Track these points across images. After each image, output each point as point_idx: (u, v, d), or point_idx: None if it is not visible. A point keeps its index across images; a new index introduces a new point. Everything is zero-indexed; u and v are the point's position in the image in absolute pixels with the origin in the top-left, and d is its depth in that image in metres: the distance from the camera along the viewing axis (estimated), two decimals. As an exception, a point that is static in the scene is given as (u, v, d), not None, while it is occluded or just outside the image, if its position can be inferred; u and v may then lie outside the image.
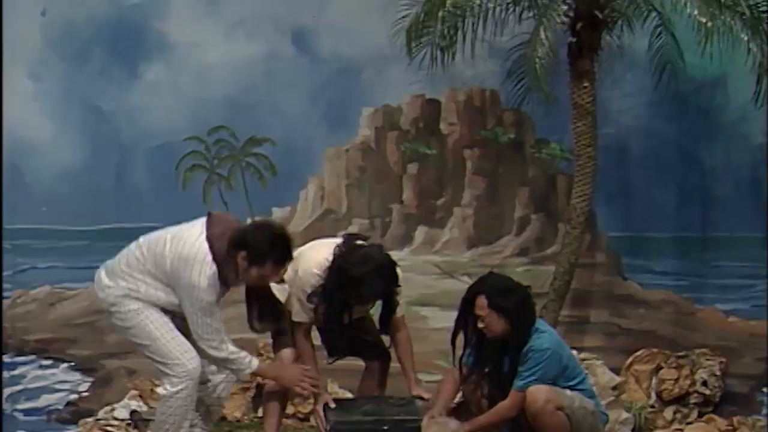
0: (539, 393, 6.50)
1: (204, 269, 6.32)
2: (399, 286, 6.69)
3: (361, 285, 6.47)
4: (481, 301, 6.57)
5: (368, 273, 6.45)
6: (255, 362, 6.55)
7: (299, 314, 6.69)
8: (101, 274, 6.61)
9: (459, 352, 6.84)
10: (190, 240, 6.39)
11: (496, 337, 6.59)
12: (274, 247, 6.35)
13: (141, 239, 6.59)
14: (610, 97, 9.03)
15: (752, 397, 9.04)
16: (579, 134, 8.51)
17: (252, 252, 6.29)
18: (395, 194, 9.27)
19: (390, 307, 6.75)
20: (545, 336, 6.58)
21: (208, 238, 6.36)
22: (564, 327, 8.67)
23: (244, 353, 6.53)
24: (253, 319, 6.66)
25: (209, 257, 6.32)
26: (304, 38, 9.25)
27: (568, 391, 6.56)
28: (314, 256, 6.63)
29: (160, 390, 6.82)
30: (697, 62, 8.67)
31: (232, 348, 6.48)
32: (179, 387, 6.41)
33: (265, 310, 6.66)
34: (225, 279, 6.37)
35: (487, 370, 6.74)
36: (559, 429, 6.54)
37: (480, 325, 6.59)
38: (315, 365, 6.83)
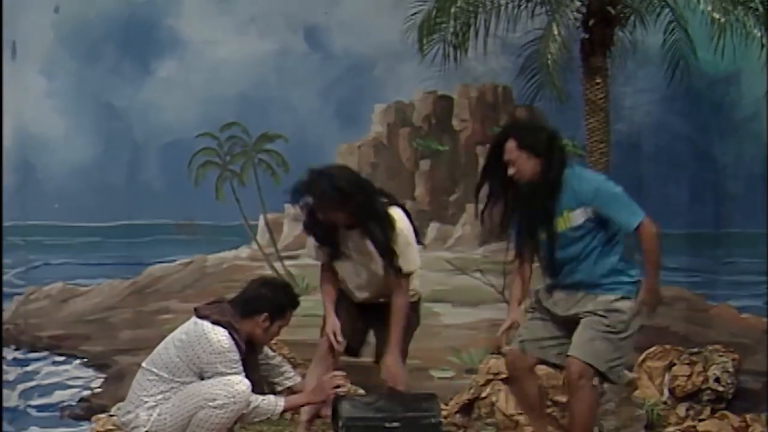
0: (573, 367, 6.46)
1: (218, 333, 6.47)
2: (393, 232, 6.59)
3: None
4: (511, 143, 6.43)
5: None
6: (281, 401, 6.62)
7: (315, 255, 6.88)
8: (122, 420, 6.72)
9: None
10: (190, 327, 6.56)
11: (526, 181, 6.46)
12: (288, 296, 6.64)
13: (144, 364, 6.68)
14: (622, 93, 9.01)
15: (765, 394, 9.02)
16: (591, 130, 8.50)
17: (273, 310, 6.56)
18: (407, 190, 9.27)
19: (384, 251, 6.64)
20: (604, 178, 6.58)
21: (204, 317, 6.54)
22: (576, 323, 8.67)
23: (269, 396, 6.59)
24: None
25: (214, 325, 6.49)
26: (316, 35, 9.25)
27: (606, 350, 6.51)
28: None
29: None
30: (709, 58, 8.65)
31: (255, 396, 6.54)
32: (223, 401, 6.43)
33: None
34: (238, 344, 6.52)
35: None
36: (584, 404, 6.56)
37: (511, 171, 6.45)
38: (332, 312, 6.85)
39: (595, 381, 6.64)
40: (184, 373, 6.52)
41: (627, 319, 6.58)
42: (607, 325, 6.62)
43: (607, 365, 6.58)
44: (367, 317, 7.01)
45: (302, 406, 6.91)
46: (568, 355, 6.53)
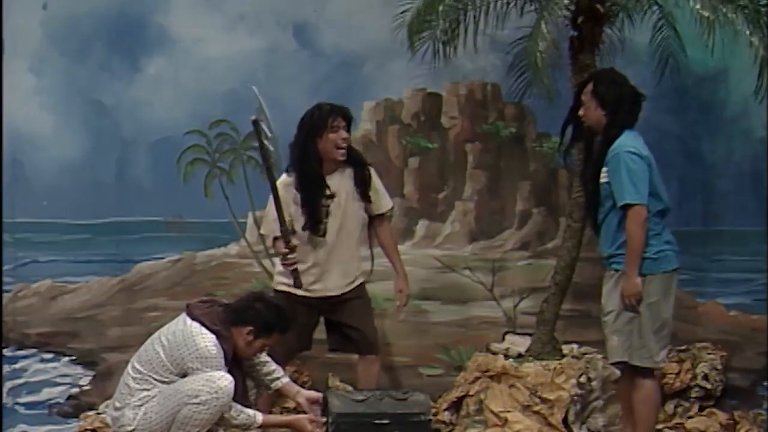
0: (624, 373, 6.87)
1: (206, 338, 6.48)
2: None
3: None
4: (589, 86, 6.90)
5: None
6: (260, 416, 6.65)
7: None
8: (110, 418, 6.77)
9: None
10: (179, 326, 6.57)
11: (589, 126, 6.88)
12: (279, 318, 6.73)
13: (131, 361, 6.70)
14: (611, 91, 9.00)
15: (753, 391, 9.04)
16: (580, 128, 8.51)
17: (259, 326, 6.57)
18: (397, 188, 9.26)
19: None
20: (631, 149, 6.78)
21: (196, 318, 6.55)
22: (565, 321, 8.68)
23: (247, 410, 6.61)
24: None
25: (204, 329, 6.50)
26: (306, 32, 9.24)
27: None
28: None
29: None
30: (698, 56, 8.67)
31: (236, 406, 6.55)
32: (206, 398, 6.43)
33: None
34: (225, 352, 6.55)
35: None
36: (644, 400, 6.70)
37: (581, 112, 6.77)
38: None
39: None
40: (167, 371, 6.52)
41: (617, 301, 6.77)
42: (605, 319, 6.81)
43: (625, 354, 6.75)
44: (316, 313, 7.49)
45: (281, 426, 6.95)
46: None
